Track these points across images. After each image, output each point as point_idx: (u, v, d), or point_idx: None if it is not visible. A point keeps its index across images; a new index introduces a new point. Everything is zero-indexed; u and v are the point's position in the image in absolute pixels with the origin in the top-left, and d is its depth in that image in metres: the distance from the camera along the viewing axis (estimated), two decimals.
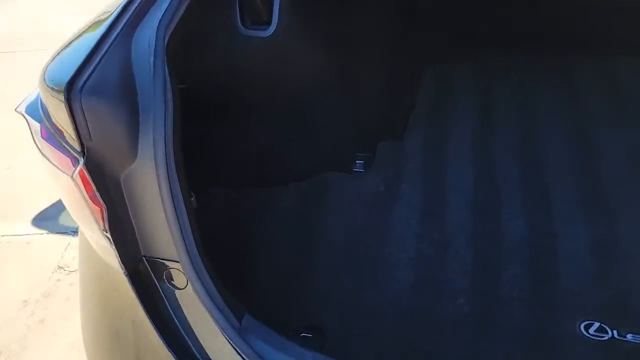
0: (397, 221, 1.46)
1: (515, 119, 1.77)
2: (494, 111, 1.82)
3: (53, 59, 0.93)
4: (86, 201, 0.83)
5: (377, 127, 1.79)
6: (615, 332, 1.11)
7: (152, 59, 0.83)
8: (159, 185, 0.82)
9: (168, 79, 0.84)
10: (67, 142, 0.83)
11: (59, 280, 2.11)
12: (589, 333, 1.12)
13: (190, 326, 0.90)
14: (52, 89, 0.85)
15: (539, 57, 2.00)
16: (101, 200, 0.82)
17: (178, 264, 0.86)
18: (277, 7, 1.13)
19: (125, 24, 0.86)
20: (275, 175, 1.64)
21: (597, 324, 1.13)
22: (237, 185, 1.61)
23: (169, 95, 0.83)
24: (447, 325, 1.18)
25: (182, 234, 0.85)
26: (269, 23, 1.15)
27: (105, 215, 0.82)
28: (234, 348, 0.86)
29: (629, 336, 1.10)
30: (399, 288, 1.28)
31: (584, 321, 1.14)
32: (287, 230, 1.50)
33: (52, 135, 0.87)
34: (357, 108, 1.72)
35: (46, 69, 0.91)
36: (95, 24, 0.93)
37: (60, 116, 0.81)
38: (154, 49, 0.84)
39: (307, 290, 1.33)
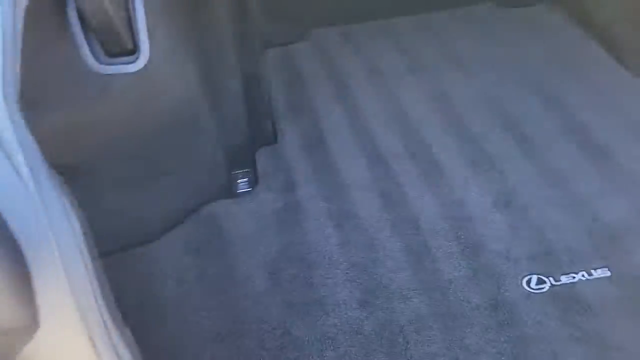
0: (312, 236, 1.32)
1: (375, 91, 1.74)
2: (352, 87, 1.77)
3: None
4: None
5: (246, 136, 1.59)
6: (551, 279, 1.18)
7: None
8: None
9: None
10: None
11: None
12: (532, 288, 1.17)
13: None
14: None
15: (374, 28, 2.00)
16: None
17: None
18: (144, 25, 0.83)
19: None
20: (149, 226, 1.34)
21: (534, 277, 1.19)
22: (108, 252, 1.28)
23: None
24: (411, 330, 1.12)
25: None
26: (134, 52, 0.85)
27: None
28: None
29: (563, 278, 1.17)
30: (350, 309, 1.16)
31: (522, 278, 1.19)
32: (191, 289, 1.25)
33: None
34: (224, 122, 1.49)
35: None
36: None
37: None
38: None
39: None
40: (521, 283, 1.17)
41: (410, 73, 1.79)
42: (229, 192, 1.46)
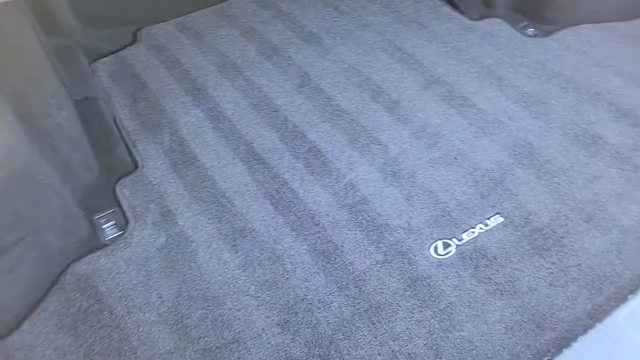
0: (209, 265, 1.17)
1: (231, 85, 1.59)
2: (205, 84, 1.59)
3: None
4: None
5: (97, 172, 1.35)
6: (454, 240, 1.18)
7: None
8: None
9: None
10: None
11: None
12: (440, 255, 1.16)
13: None
14: None
15: (210, 15, 1.81)
16: None
17: None
18: None
19: None
20: (4, 314, 1.08)
21: (439, 243, 1.18)
22: None
23: None
24: (340, 337, 1.04)
25: None
26: None
27: None
28: None
29: (465, 236, 1.18)
30: (272, 336, 1.04)
31: (429, 247, 1.17)
32: None
33: None
34: (65, 164, 1.24)
35: None
36: None
37: None
38: None
39: None
40: (430, 252, 1.16)
41: (264, 58, 1.66)
42: (96, 243, 1.23)
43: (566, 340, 0.99)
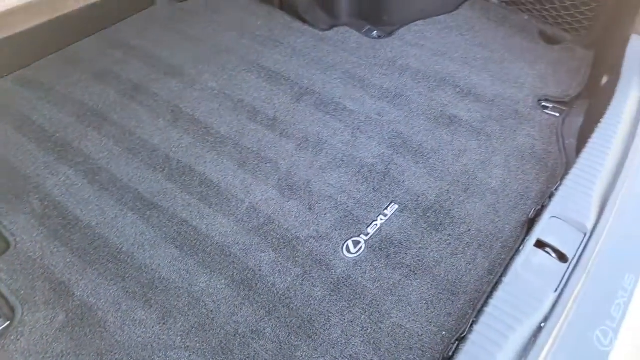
0: (124, 333, 1.05)
1: (93, 132, 1.45)
2: (59, 136, 1.43)
3: None
4: None
5: None
6: (362, 237, 1.23)
7: None
8: None
9: None
10: None
11: None
12: (353, 253, 1.20)
13: None
14: None
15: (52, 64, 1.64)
16: None
17: None
18: None
19: None
20: None
21: (349, 242, 1.21)
22: None
23: None
24: (281, 358, 1.02)
25: None
26: None
27: None
28: None
29: (370, 230, 1.23)
30: None
31: (342, 249, 1.20)
32: None
33: None
34: None
35: None
36: None
37: None
38: None
39: None
40: (343, 254, 1.19)
41: (127, 99, 1.55)
42: None
43: (478, 300, 1.10)
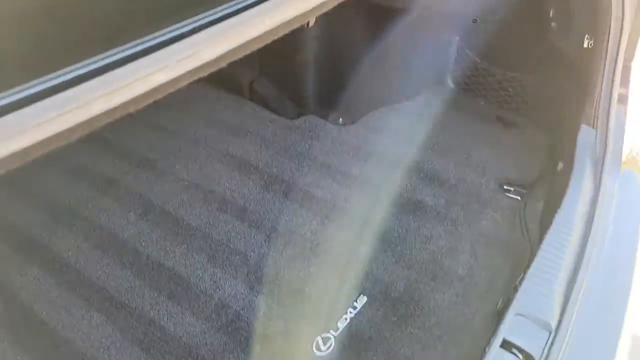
0: None
1: (54, 232, 1.41)
2: (28, 233, 1.38)
3: None
4: None
5: None
6: (331, 332, 1.19)
7: None
8: None
9: None
10: None
11: None
12: (324, 351, 1.15)
13: None
14: None
15: None
16: None
17: None
18: None
19: None
20: None
21: (318, 339, 1.17)
22: None
23: None
24: None
25: None
26: None
27: None
28: None
29: (340, 325, 1.20)
30: None
31: (312, 347, 1.16)
32: None
33: None
34: None
35: None
36: None
37: None
38: None
39: None
40: (314, 352, 1.15)
41: (100, 194, 1.53)
42: None
43: None
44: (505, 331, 0.94)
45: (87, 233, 1.41)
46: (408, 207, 1.51)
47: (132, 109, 0.52)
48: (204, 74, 0.55)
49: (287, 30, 0.63)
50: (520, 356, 0.91)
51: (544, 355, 0.90)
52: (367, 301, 1.25)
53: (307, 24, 1.49)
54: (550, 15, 1.49)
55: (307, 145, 1.73)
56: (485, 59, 1.82)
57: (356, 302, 1.25)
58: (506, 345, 0.92)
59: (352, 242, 1.40)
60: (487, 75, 1.86)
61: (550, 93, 1.66)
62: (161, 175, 1.60)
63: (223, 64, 0.56)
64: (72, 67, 0.48)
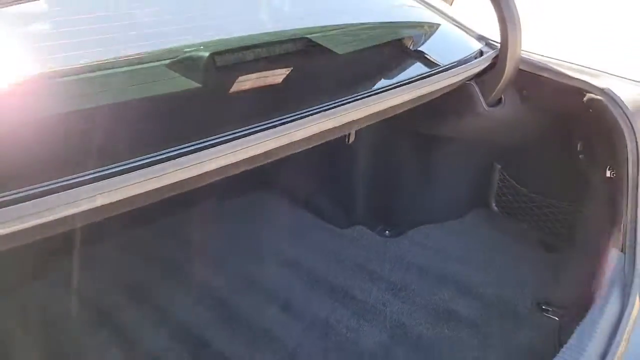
0: None
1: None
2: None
3: None
4: None
5: None
6: None
7: None
8: None
9: None
10: None
11: None
12: None
13: None
14: None
15: None
16: None
17: None
18: None
19: None
20: None
21: None
22: None
23: None
24: None
25: None
26: None
27: None
28: None
29: None
30: None
31: None
32: None
33: None
34: None
35: None
36: None
37: None
38: None
39: None
40: None
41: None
42: None
43: None
44: None
45: (149, 310, 1.59)
46: (442, 315, 1.54)
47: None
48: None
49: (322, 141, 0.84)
50: None
51: None
52: None
53: (348, 139, 1.74)
54: (578, 148, 1.62)
55: (353, 252, 1.86)
56: (525, 186, 1.93)
57: None
58: None
59: (383, 341, 1.45)
60: (528, 201, 1.95)
61: (585, 220, 1.71)
62: (220, 266, 1.79)
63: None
64: None
